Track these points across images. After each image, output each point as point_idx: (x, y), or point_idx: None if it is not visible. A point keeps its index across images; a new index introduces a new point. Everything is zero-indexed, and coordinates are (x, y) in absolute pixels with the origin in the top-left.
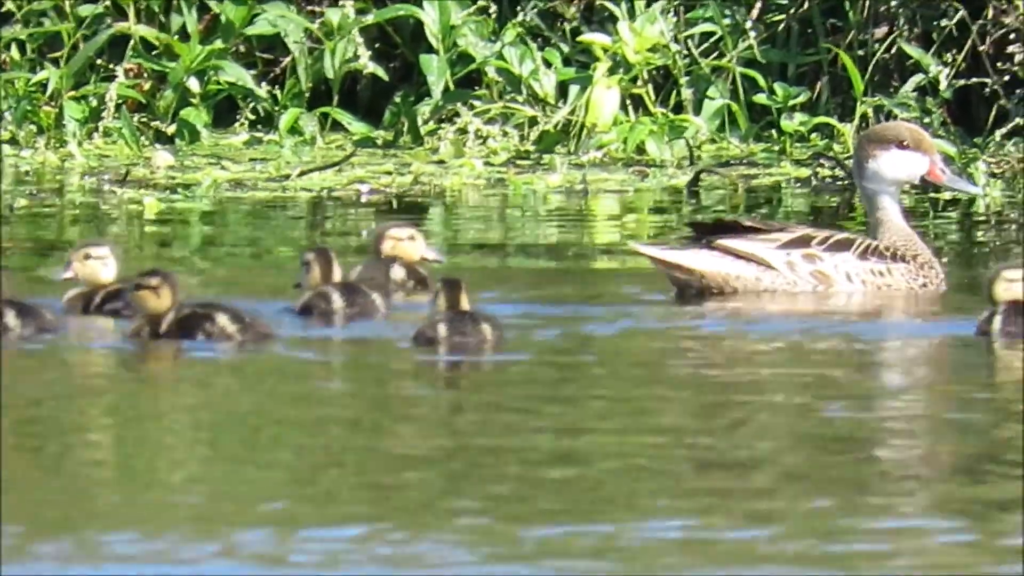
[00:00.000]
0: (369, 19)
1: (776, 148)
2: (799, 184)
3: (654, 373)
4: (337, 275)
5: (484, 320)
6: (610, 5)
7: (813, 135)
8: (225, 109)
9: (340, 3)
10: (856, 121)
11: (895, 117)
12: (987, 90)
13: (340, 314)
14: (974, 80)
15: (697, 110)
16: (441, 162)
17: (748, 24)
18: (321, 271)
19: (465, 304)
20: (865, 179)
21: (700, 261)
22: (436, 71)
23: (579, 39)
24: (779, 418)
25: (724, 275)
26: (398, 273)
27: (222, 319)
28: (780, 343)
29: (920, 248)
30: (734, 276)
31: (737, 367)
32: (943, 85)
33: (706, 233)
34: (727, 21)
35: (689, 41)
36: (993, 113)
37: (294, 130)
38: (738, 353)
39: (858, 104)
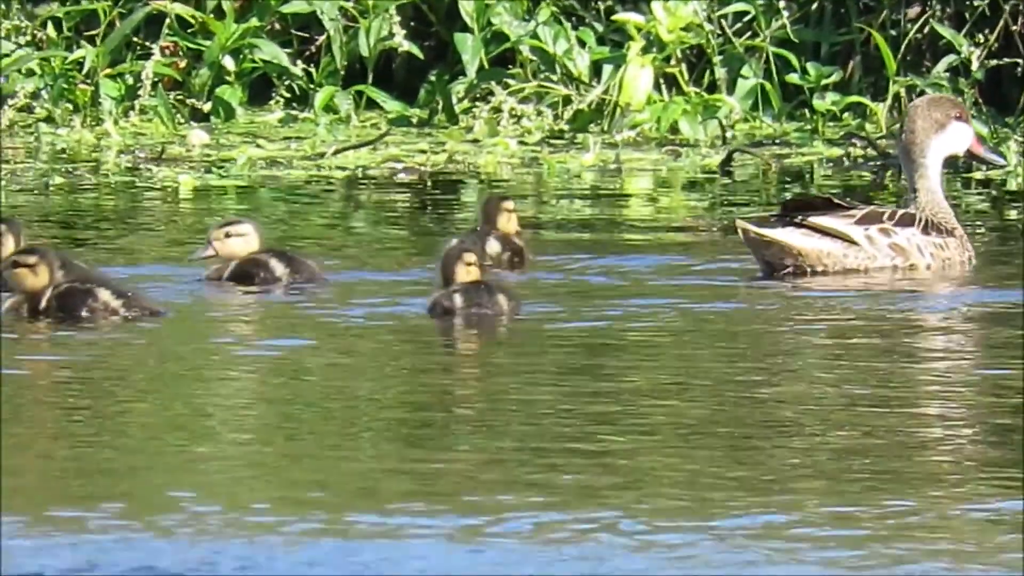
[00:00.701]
0: None
1: (808, 128)
2: (831, 164)
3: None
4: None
5: (500, 291)
6: None
7: (845, 115)
8: (260, 87)
9: None
10: (888, 101)
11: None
12: (1019, 70)
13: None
14: (1006, 60)
15: (730, 90)
16: (475, 141)
17: (781, 3)
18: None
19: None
20: (916, 151)
21: (798, 239)
22: (470, 50)
23: (613, 18)
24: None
25: (818, 252)
26: (494, 247)
27: (104, 294)
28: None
29: (956, 222)
30: (826, 253)
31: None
32: (975, 65)
33: (791, 211)
34: (760, 1)
35: (722, 20)
36: None
37: (329, 108)
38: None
39: (890, 84)
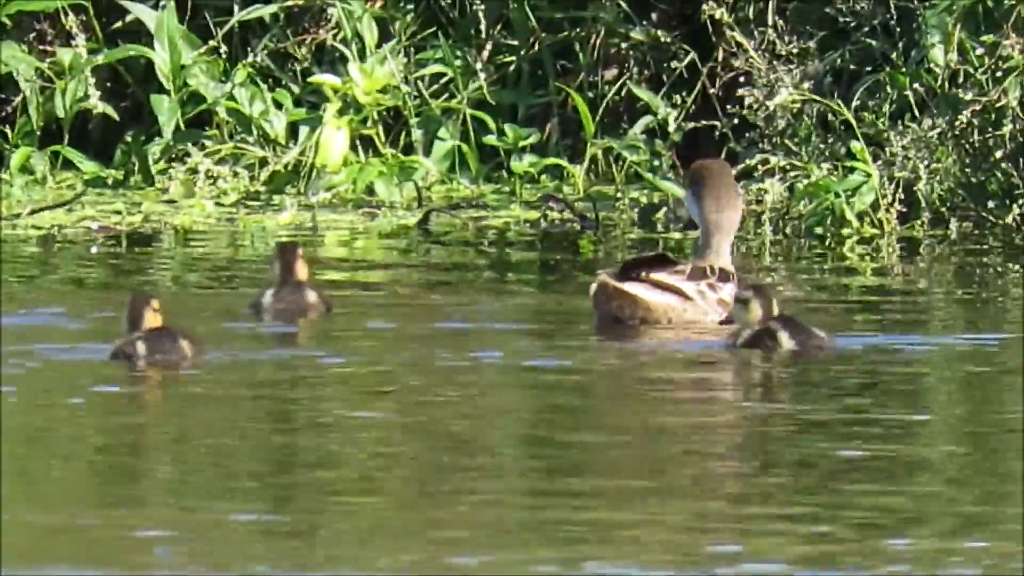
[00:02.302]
0: (100, 59)
1: (506, 190)
2: (529, 225)
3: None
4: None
5: (182, 336)
6: (340, 46)
7: (543, 176)
8: None
9: (72, 43)
10: (586, 163)
11: (624, 160)
12: (717, 133)
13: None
14: (703, 123)
15: (427, 151)
16: (172, 202)
17: (479, 65)
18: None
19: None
20: (712, 208)
21: (648, 294)
22: (167, 111)
23: (309, 80)
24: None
25: (664, 306)
26: (311, 296)
27: None
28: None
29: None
30: (671, 307)
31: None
32: (672, 127)
33: (629, 268)
34: (458, 62)
35: (419, 82)
36: (723, 156)
37: (25, 169)
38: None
39: (588, 146)
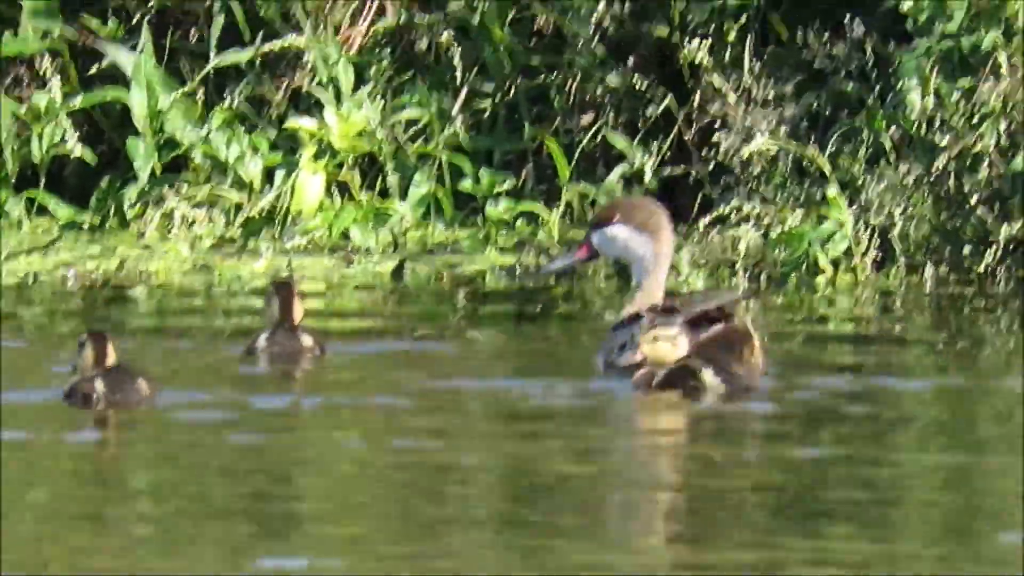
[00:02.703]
0: (76, 103)
1: (481, 235)
2: (503, 271)
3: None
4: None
5: (140, 375)
6: (317, 91)
7: (519, 221)
8: None
9: (47, 87)
10: (561, 208)
11: (594, 204)
12: (692, 178)
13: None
14: (679, 169)
15: (403, 195)
16: (147, 247)
17: (455, 110)
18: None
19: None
20: (644, 248)
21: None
22: (142, 156)
23: (285, 125)
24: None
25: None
26: (307, 340)
27: None
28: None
29: None
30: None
31: None
32: (647, 174)
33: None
34: (433, 107)
35: (396, 127)
36: (698, 202)
37: (0, 213)
38: None
39: (563, 191)
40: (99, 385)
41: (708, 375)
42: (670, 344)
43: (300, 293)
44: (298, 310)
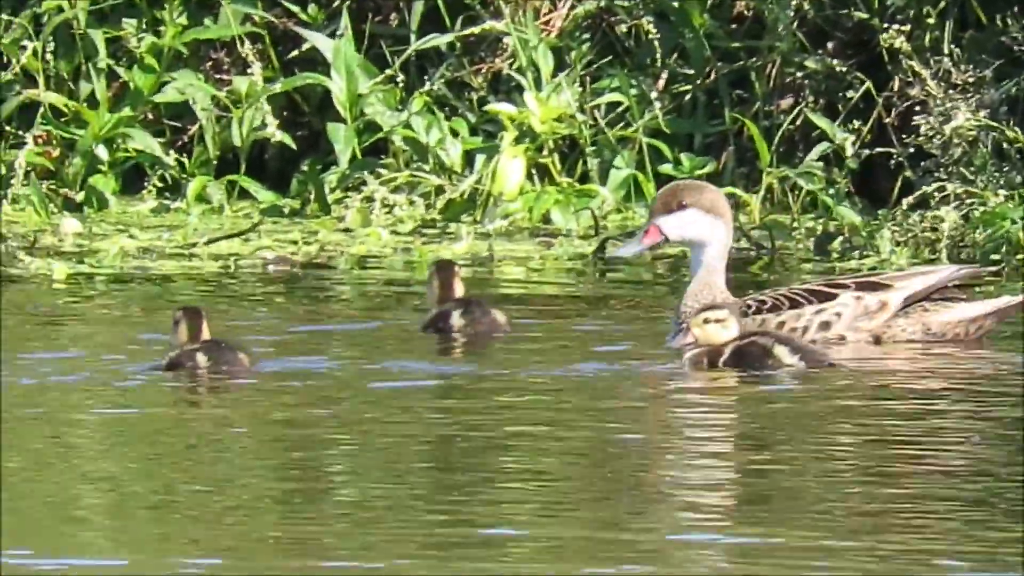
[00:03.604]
0: (277, 87)
1: None
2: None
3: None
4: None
5: (239, 348)
6: (516, 75)
7: None
8: (133, 177)
9: (248, 71)
10: (762, 191)
11: (800, 189)
12: (892, 161)
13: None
14: (880, 150)
15: (603, 180)
16: (348, 231)
17: (654, 94)
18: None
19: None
20: (716, 232)
21: None
22: (343, 140)
23: (486, 108)
24: None
25: None
26: (500, 317)
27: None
28: None
29: None
30: None
31: None
32: (849, 153)
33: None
34: (633, 91)
35: (595, 111)
36: (899, 184)
37: (201, 198)
38: None
39: (764, 175)
40: (200, 358)
41: (783, 351)
42: (720, 326)
43: (459, 273)
44: (458, 288)
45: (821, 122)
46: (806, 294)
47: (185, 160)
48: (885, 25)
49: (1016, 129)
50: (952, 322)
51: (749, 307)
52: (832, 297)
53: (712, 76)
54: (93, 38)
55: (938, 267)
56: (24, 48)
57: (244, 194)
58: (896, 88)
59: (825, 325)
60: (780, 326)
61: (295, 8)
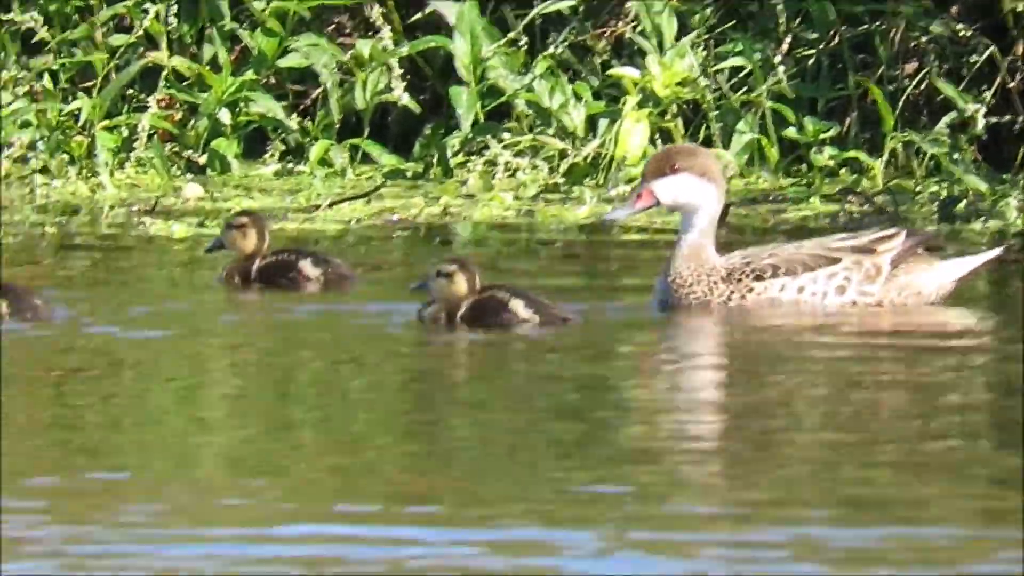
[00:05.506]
0: (402, 51)
1: (805, 183)
2: (828, 219)
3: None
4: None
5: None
6: (639, 39)
7: (843, 170)
8: (256, 140)
9: (372, 34)
10: (885, 156)
11: (924, 154)
12: (1017, 127)
13: None
14: (1007, 118)
15: (726, 144)
16: (470, 195)
17: (778, 59)
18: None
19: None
20: (708, 196)
21: None
22: (466, 104)
23: (609, 73)
24: None
25: None
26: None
27: None
28: None
29: None
30: None
31: None
32: (979, 123)
33: None
34: (757, 56)
35: (718, 75)
36: (1021, 152)
37: (324, 161)
38: None
39: (888, 139)
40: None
41: (518, 305)
42: (448, 281)
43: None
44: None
45: (948, 89)
46: (809, 259)
47: (308, 124)
48: None
49: None
50: (945, 284)
51: (755, 271)
52: (836, 261)
53: (836, 40)
54: (217, 1)
55: (893, 229)
56: (147, 12)
57: (366, 158)
58: (1021, 53)
59: (841, 290)
60: (800, 290)
61: None
